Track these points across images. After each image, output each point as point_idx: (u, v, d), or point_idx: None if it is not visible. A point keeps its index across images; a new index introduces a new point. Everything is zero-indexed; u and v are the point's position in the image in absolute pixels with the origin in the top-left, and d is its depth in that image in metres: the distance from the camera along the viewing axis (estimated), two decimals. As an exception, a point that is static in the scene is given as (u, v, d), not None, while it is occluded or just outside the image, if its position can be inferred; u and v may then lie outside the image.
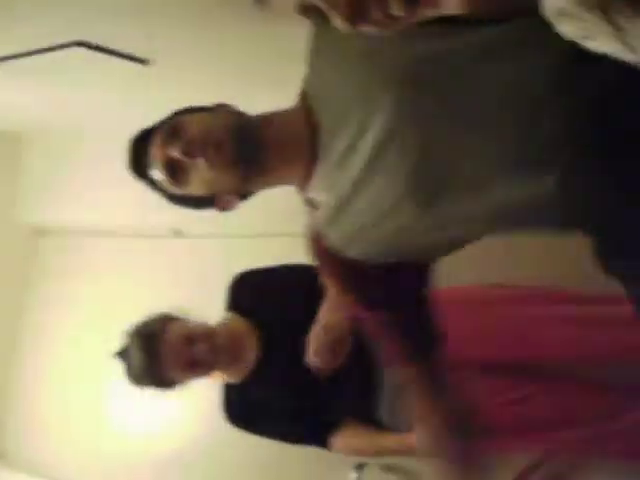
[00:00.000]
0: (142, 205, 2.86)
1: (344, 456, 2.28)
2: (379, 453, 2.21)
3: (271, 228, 2.78)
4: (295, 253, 2.54)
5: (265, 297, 2.23)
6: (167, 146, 1.29)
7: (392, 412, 2.08)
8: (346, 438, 2.14)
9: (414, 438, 2.01)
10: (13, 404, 3.44)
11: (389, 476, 2.34)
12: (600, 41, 0.84)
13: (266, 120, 1.32)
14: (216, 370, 2.13)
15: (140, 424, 3.00)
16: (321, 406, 2.19)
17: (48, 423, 3.29)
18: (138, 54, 1.99)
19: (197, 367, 2.07)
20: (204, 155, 1.25)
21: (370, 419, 2.14)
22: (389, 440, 2.11)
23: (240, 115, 1.33)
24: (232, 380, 2.21)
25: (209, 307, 2.30)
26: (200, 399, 2.41)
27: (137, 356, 2.06)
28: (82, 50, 1.76)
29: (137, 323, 2.12)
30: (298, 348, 2.13)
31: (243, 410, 2.22)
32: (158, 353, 2.03)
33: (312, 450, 2.24)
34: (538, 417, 1.99)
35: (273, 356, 2.16)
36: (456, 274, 2.30)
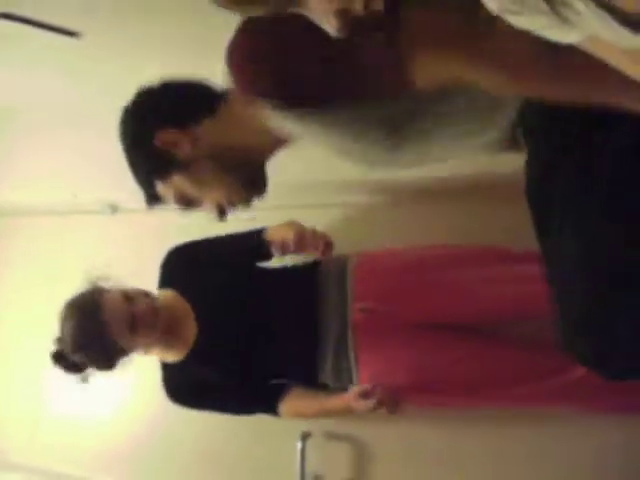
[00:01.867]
0: (76, 182, 2.83)
1: (289, 427, 2.30)
2: (325, 414, 2.25)
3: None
4: (232, 227, 2.56)
5: (193, 271, 2.23)
6: None
7: (336, 375, 2.10)
8: (292, 402, 2.18)
9: (348, 398, 2.07)
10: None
11: (333, 443, 2.36)
12: (527, 16, 0.82)
13: None
14: (156, 339, 2.12)
15: (85, 409, 2.96)
16: (265, 375, 2.21)
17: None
18: (70, 27, 1.94)
19: (140, 325, 2.05)
20: None
21: (315, 383, 2.16)
22: (332, 401, 2.16)
23: None
24: (173, 359, 2.21)
25: (148, 283, 2.29)
26: (145, 380, 2.39)
27: (78, 327, 2.04)
28: (7, 23, 1.71)
29: (70, 299, 2.10)
30: (234, 317, 2.14)
31: (184, 388, 2.23)
32: (100, 317, 2.02)
33: (257, 421, 2.26)
34: (485, 374, 2.04)
35: (211, 330, 2.16)
36: (395, 237, 2.35)
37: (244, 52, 1.18)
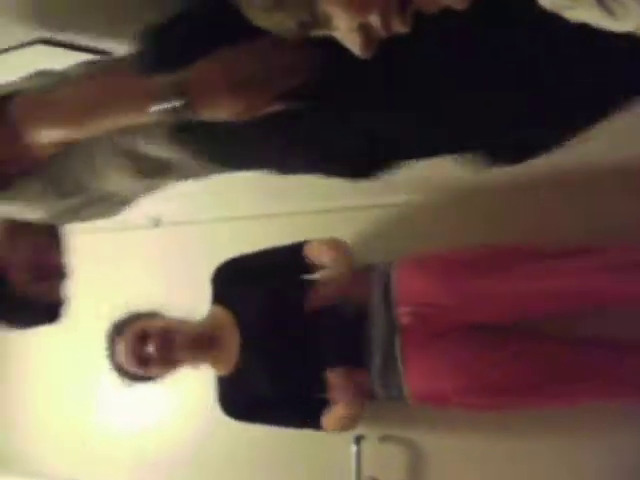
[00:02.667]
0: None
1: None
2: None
3: (252, 210, 2.77)
4: (277, 233, 2.56)
5: (238, 286, 2.26)
6: None
7: (384, 381, 2.09)
8: (333, 413, 2.18)
9: None
10: (4, 407, 3.42)
11: (388, 446, 2.35)
12: (580, 10, 0.83)
13: None
14: (176, 365, 2.18)
15: (131, 421, 3.00)
16: (312, 386, 2.21)
17: (38, 424, 3.27)
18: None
19: (150, 364, 2.14)
20: None
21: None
22: None
23: None
24: (222, 372, 2.25)
25: (196, 294, 2.31)
26: (192, 393, 2.41)
27: (108, 354, 2.20)
28: (44, 47, 1.74)
29: (115, 318, 2.23)
30: (278, 330, 2.15)
31: (235, 402, 2.27)
32: (115, 352, 2.17)
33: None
34: (526, 375, 2.00)
35: (253, 345, 2.19)
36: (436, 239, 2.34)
37: None
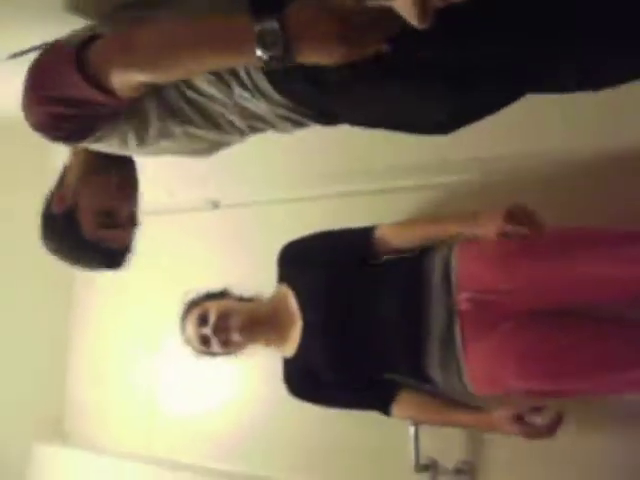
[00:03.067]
0: (172, 180, 2.89)
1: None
2: (446, 425, 2.23)
3: (308, 191, 2.77)
4: (334, 214, 2.56)
5: (302, 267, 2.26)
6: None
7: (443, 367, 2.07)
8: (408, 407, 2.19)
9: (497, 419, 2.03)
10: (71, 385, 3.51)
11: (445, 428, 2.33)
12: None
13: None
14: (243, 344, 2.25)
15: (198, 400, 3.04)
16: (372, 370, 2.21)
17: (107, 402, 3.35)
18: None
19: (210, 345, 2.22)
20: None
21: (421, 376, 2.14)
22: (463, 416, 2.14)
23: None
24: (287, 352, 2.26)
25: (253, 276, 2.33)
26: (259, 373, 2.44)
27: (181, 329, 2.33)
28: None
29: (188, 298, 2.34)
30: (339, 312, 2.14)
31: (300, 382, 2.29)
32: (185, 328, 2.30)
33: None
34: (590, 361, 1.96)
35: (314, 328, 2.18)
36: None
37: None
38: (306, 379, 2.25)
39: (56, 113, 1.30)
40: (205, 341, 2.22)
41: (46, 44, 1.37)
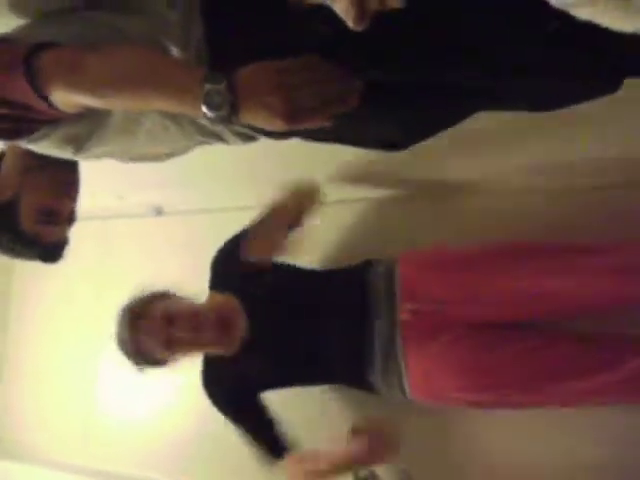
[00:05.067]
0: (121, 184, 2.86)
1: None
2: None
3: (255, 200, 2.76)
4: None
5: (237, 271, 2.24)
6: None
7: (385, 377, 2.09)
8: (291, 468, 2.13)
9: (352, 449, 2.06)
10: (6, 392, 3.44)
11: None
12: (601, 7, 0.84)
13: None
14: (201, 348, 2.16)
15: (137, 406, 3.00)
16: (312, 376, 2.21)
17: (41, 409, 3.29)
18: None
19: (176, 346, 2.09)
20: None
21: (363, 383, 2.15)
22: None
23: None
24: (218, 352, 2.22)
25: (198, 283, 2.31)
26: (198, 382, 2.41)
27: (122, 335, 2.12)
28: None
29: (126, 301, 2.16)
30: (281, 315, 2.14)
31: (220, 382, 2.24)
32: (138, 332, 2.09)
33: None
34: (529, 373, 1.98)
35: (258, 329, 2.17)
36: (441, 234, 2.33)
37: None
38: (230, 381, 2.21)
39: None
40: (170, 345, 2.08)
41: None
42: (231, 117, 1.10)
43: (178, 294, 2.21)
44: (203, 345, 2.16)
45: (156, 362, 2.13)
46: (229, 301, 2.22)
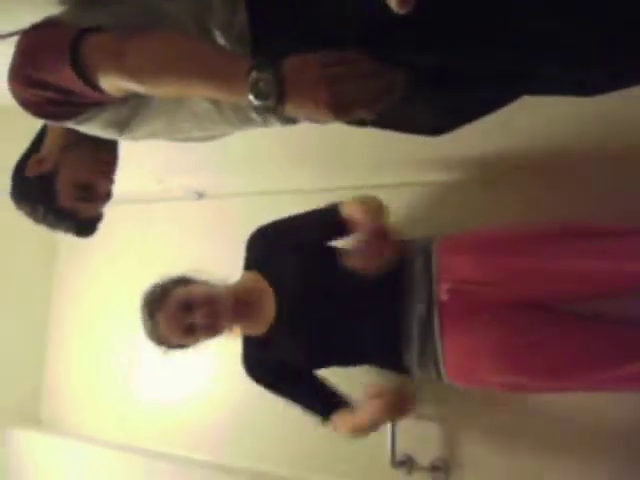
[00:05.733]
0: (162, 168, 2.89)
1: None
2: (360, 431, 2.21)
3: (295, 184, 2.77)
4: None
5: (273, 252, 2.25)
6: None
7: (422, 358, 2.08)
8: (341, 424, 2.17)
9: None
10: (47, 372, 3.50)
11: (422, 424, 2.35)
12: None
13: None
14: (222, 332, 2.17)
15: (174, 388, 3.04)
16: (348, 359, 2.21)
17: (83, 388, 3.34)
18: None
19: (195, 332, 2.11)
20: None
21: (399, 367, 2.15)
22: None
23: None
24: (253, 333, 2.24)
25: (239, 265, 2.32)
26: (235, 363, 2.43)
27: (144, 323, 2.17)
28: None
29: (147, 287, 2.20)
30: (314, 298, 2.14)
31: (259, 363, 2.26)
32: (157, 321, 2.12)
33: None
34: (567, 357, 1.96)
35: (290, 311, 2.18)
36: (480, 217, 2.32)
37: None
38: (268, 360, 2.23)
39: (43, 96, 1.31)
40: (190, 332, 2.10)
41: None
42: (277, 107, 1.10)
43: (199, 278, 2.22)
44: (223, 330, 2.17)
45: (179, 346, 2.17)
46: (258, 282, 2.24)
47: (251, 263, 2.30)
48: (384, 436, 2.33)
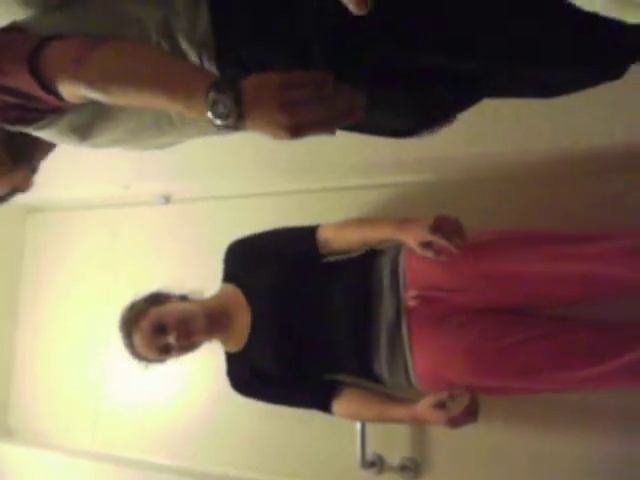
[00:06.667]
0: (128, 174, 2.87)
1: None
2: (383, 421, 2.24)
3: (261, 187, 2.78)
4: (286, 211, 2.57)
5: (249, 265, 2.26)
6: None
7: (391, 365, 2.09)
8: (349, 403, 2.18)
9: (420, 410, 2.05)
10: (15, 382, 3.46)
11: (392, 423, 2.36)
12: None
13: None
14: (197, 348, 2.20)
15: (144, 395, 3.02)
16: (319, 367, 2.22)
17: (53, 397, 3.31)
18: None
19: (171, 352, 2.15)
20: None
21: (370, 374, 2.16)
22: (396, 410, 2.13)
23: None
24: (231, 348, 2.26)
25: (205, 271, 2.32)
26: (205, 368, 2.43)
27: (123, 339, 2.21)
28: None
29: (124, 306, 2.23)
30: (286, 309, 2.15)
31: (244, 378, 2.27)
32: (133, 341, 2.17)
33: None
34: (540, 359, 1.98)
35: (263, 323, 2.19)
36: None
37: None
38: (250, 374, 2.25)
39: (6, 101, 1.30)
40: (164, 351, 2.14)
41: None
42: (237, 126, 1.10)
43: (174, 294, 2.25)
44: (199, 344, 2.21)
45: (159, 361, 2.20)
46: (234, 295, 2.26)
47: (229, 276, 2.32)
48: (353, 436, 2.34)
